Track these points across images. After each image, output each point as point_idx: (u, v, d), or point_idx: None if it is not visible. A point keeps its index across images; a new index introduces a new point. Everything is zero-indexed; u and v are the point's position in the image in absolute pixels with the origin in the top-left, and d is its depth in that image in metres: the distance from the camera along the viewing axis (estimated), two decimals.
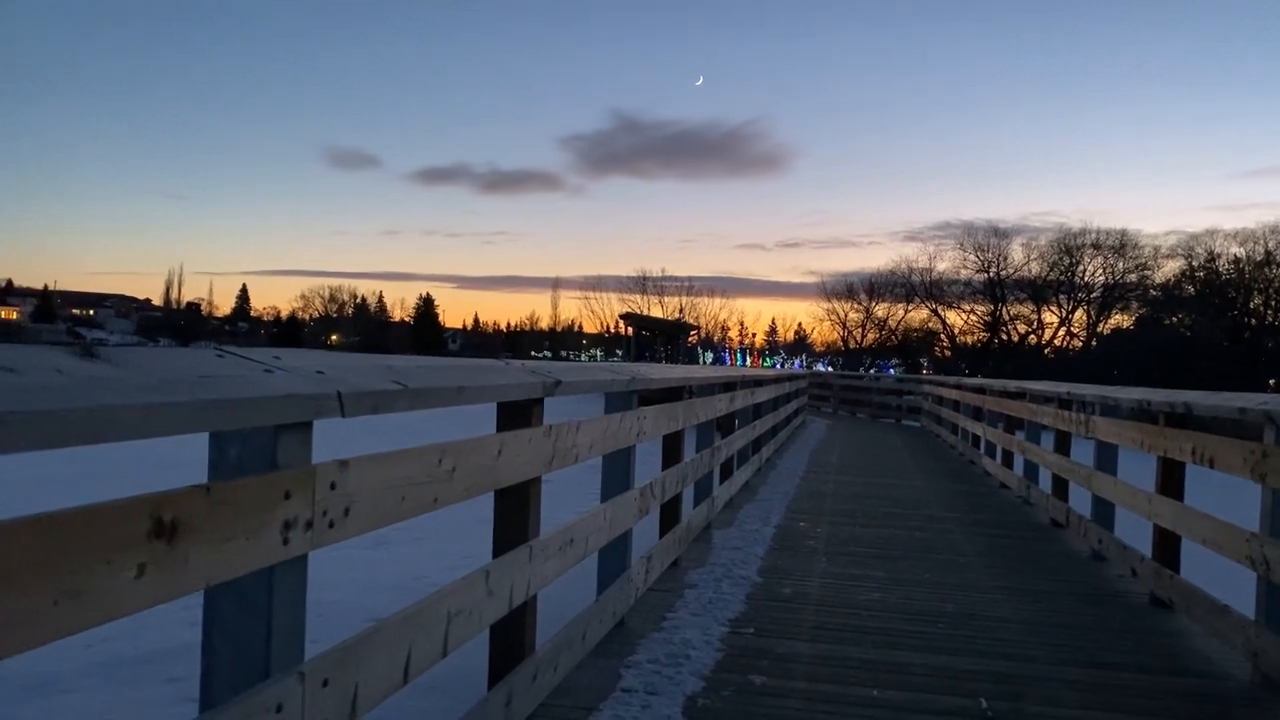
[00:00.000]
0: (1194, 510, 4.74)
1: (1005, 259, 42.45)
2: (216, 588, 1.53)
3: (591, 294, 54.43)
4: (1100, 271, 40.79)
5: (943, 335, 45.69)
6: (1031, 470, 9.41)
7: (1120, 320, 40.63)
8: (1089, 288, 40.93)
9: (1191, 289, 37.05)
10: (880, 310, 48.45)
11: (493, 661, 3.01)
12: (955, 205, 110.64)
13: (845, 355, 50.18)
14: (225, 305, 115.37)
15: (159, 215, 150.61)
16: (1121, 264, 40.14)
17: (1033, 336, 41.70)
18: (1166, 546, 5.18)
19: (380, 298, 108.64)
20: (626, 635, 4.22)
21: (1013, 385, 10.77)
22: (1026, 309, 41.98)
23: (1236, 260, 36.38)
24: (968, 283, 43.44)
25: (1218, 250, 37.02)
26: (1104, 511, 6.55)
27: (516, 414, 2.99)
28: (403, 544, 7.18)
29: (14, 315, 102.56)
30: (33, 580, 1.13)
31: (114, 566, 1.25)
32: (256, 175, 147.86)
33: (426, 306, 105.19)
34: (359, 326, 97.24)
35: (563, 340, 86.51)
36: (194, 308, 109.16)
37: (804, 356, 67.91)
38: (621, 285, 52.26)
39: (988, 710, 3.54)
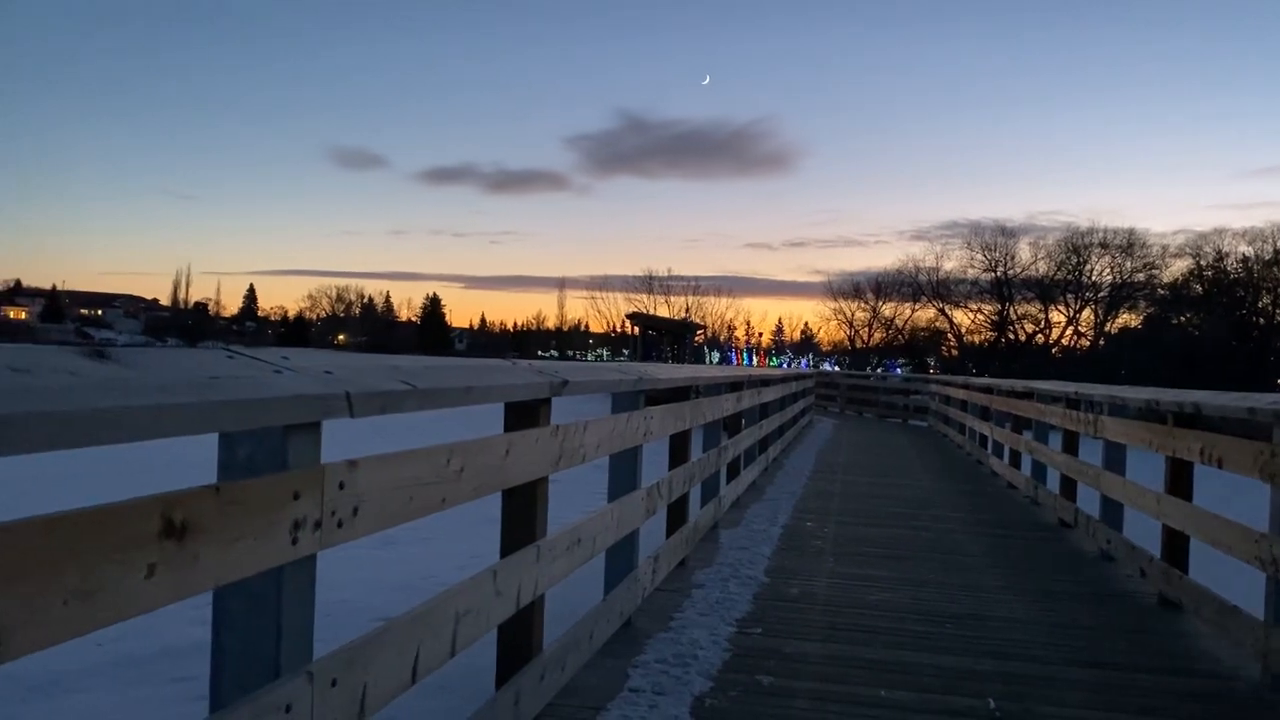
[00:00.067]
0: (1203, 510, 4.73)
1: (1012, 258, 42.32)
2: (226, 587, 1.53)
3: (598, 294, 54.35)
4: (1108, 271, 40.63)
5: (950, 335, 45.57)
6: (1039, 470, 9.39)
7: (1128, 319, 40.49)
8: (1096, 287, 40.76)
9: (1200, 288, 36.89)
10: (887, 310, 48.39)
11: (500, 661, 3.01)
12: (962, 204, 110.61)
13: (852, 355, 50.06)
14: (232, 305, 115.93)
15: (167, 215, 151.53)
16: (1129, 263, 39.98)
17: (1040, 336, 41.56)
18: (1175, 547, 5.16)
19: (387, 297, 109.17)
20: (634, 635, 4.22)
21: (1020, 385, 10.74)
22: (1034, 308, 41.83)
23: (1245, 259, 36.24)
24: (975, 282, 43.32)
25: (1226, 249, 36.89)
26: (1112, 511, 6.53)
27: (524, 414, 2.99)
28: (410, 544, 7.20)
29: (23, 315, 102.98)
30: (44, 580, 1.14)
31: (125, 566, 1.26)
32: (264, 175, 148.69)
33: (433, 306, 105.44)
34: (366, 326, 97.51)
35: (569, 340, 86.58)
36: (201, 307, 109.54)
37: (810, 356, 67.80)
38: (628, 285, 52.21)
39: (996, 710, 3.53)
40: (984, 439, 12.92)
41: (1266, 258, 35.39)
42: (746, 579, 5.42)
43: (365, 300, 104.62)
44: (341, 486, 1.80)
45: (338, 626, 2.43)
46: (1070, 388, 8.32)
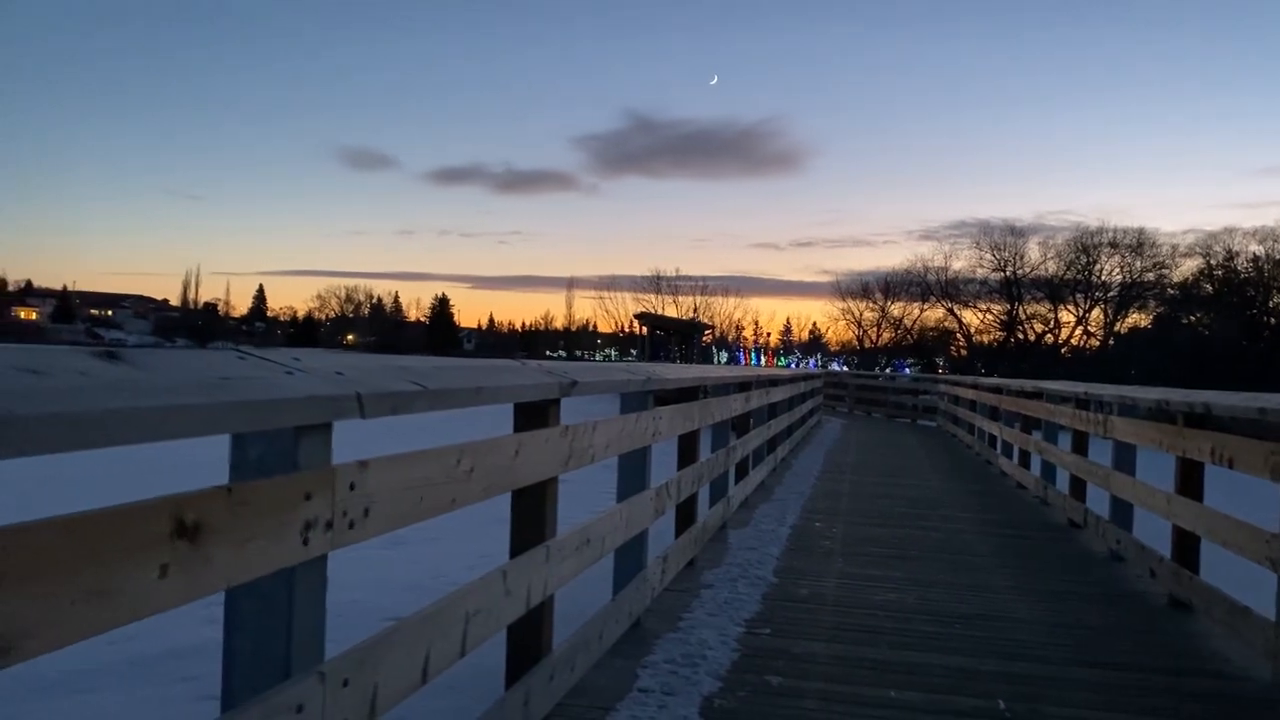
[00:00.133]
0: (1213, 511, 4.71)
1: (1022, 258, 42.23)
2: (238, 588, 1.54)
3: (606, 293, 54.54)
4: (1117, 270, 40.52)
5: (958, 334, 45.48)
6: (1049, 470, 9.36)
7: (1138, 319, 40.36)
8: (1106, 286, 40.65)
9: (1209, 288, 36.72)
10: (896, 309, 48.31)
11: (510, 661, 3.02)
12: (971, 204, 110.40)
13: (860, 355, 50.02)
14: (242, 305, 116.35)
15: (176, 216, 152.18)
16: (1139, 263, 39.85)
17: (1049, 336, 41.44)
18: (1185, 547, 5.14)
19: (396, 298, 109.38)
20: (643, 635, 4.22)
21: (1029, 385, 10.71)
22: (1043, 308, 41.73)
23: (1255, 259, 36.06)
24: (984, 282, 43.24)
25: (1236, 249, 36.72)
26: (1122, 512, 6.51)
27: (533, 414, 3.00)
28: (420, 544, 7.20)
29: (34, 316, 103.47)
30: (57, 580, 1.14)
31: (137, 567, 1.26)
32: (273, 176, 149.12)
33: (442, 306, 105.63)
34: (375, 326, 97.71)
35: (577, 340, 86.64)
36: (211, 308, 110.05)
37: (819, 356, 67.75)
38: (636, 285, 52.32)
39: (1005, 711, 3.53)
40: (993, 439, 12.88)
41: (1277, 257, 35.22)
42: (755, 579, 5.42)
43: (374, 300, 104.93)
44: (353, 487, 1.81)
45: (348, 626, 2.43)
46: (1080, 388, 8.30)
